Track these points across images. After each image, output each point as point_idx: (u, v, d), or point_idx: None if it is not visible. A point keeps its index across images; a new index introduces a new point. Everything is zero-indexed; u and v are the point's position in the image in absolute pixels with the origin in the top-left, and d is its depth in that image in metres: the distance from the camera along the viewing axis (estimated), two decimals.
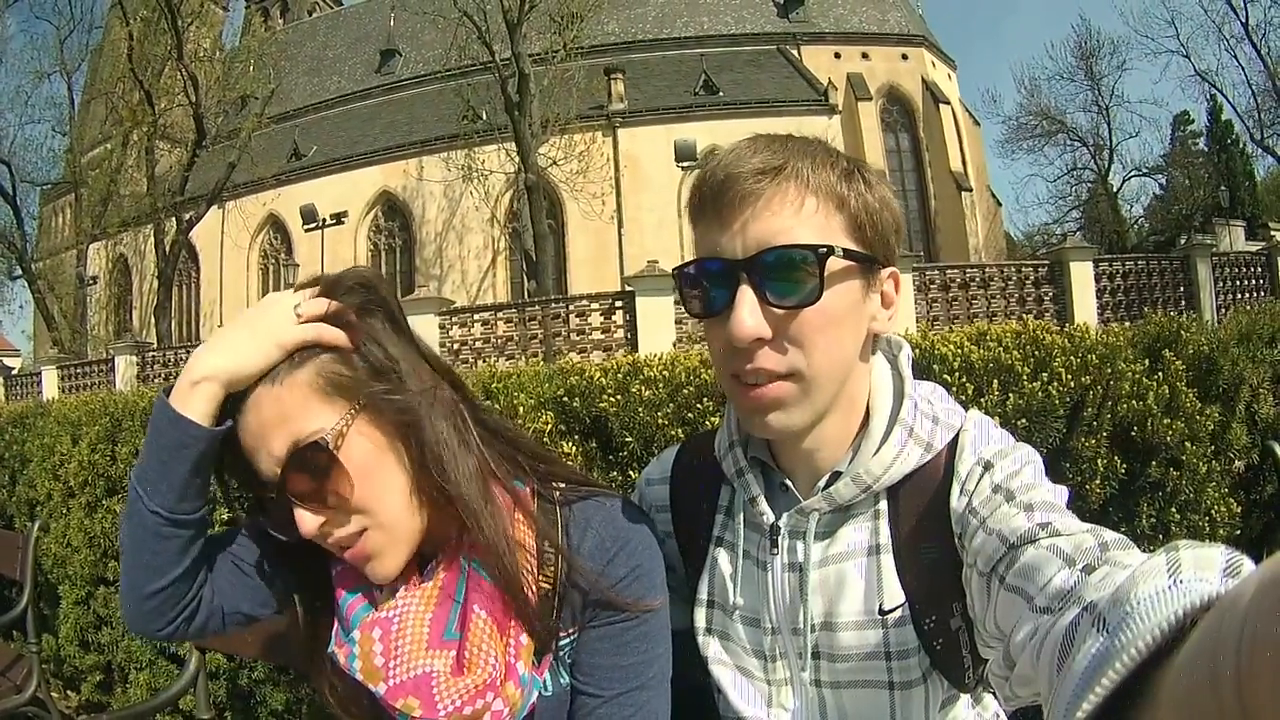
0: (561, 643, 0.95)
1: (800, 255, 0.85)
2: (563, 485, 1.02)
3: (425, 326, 14.75)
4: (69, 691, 3.69)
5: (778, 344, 0.87)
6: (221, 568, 1.00)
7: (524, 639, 0.90)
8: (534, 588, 0.92)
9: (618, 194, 31.28)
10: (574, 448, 2.02)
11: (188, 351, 18.27)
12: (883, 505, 0.95)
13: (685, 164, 23.68)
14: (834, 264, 0.85)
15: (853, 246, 0.88)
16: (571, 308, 15.92)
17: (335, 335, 0.90)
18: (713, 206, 0.90)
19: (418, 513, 0.91)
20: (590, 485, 1.05)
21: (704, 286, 0.91)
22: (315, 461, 0.85)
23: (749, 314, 0.85)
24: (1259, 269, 16.83)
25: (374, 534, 0.88)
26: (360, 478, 0.86)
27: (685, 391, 1.99)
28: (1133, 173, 37.96)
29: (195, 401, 0.87)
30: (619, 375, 2.11)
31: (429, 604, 0.91)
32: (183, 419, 0.87)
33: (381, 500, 0.88)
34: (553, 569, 0.94)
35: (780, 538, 0.98)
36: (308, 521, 0.86)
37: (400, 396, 0.90)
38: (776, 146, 0.89)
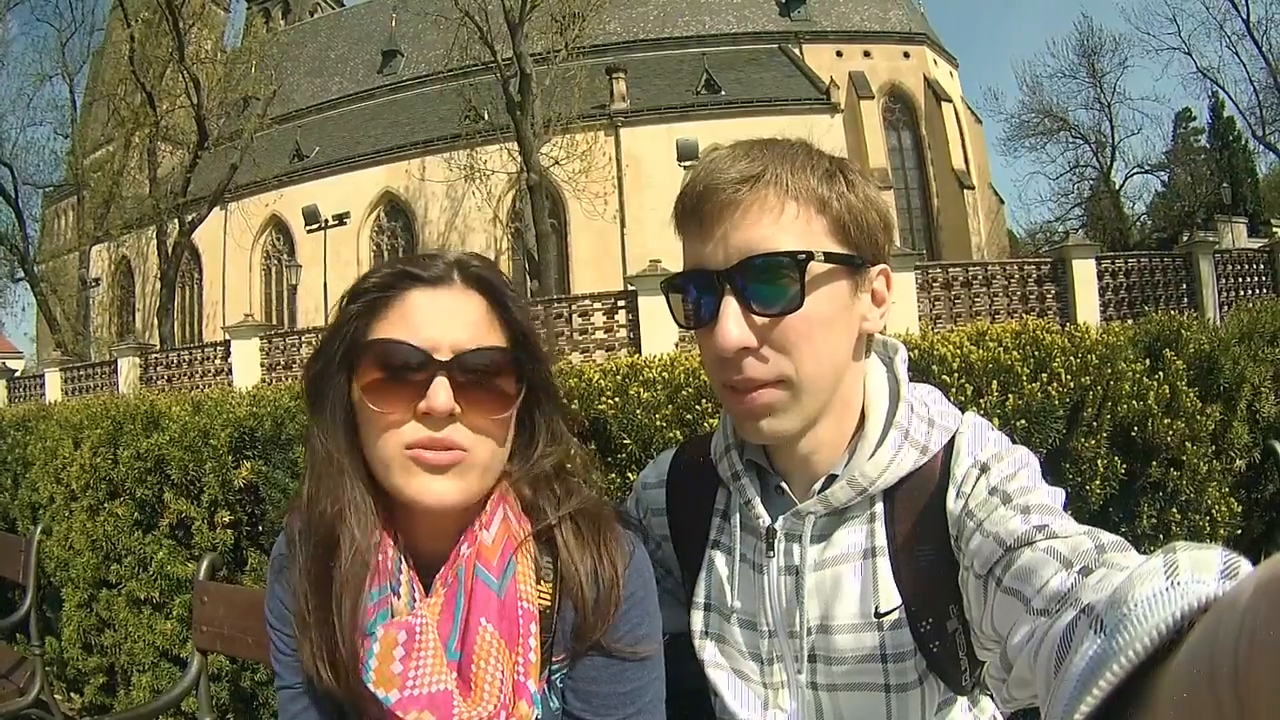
0: (554, 666, 0.94)
1: (780, 262, 0.84)
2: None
3: None
4: (72, 694, 3.68)
5: (765, 351, 0.87)
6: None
7: (532, 656, 0.89)
8: (535, 603, 0.91)
9: (620, 193, 31.24)
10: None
11: (190, 353, 18.37)
12: (878, 508, 0.95)
13: (687, 163, 23.63)
14: (815, 269, 0.85)
15: (837, 248, 0.87)
16: (574, 307, 15.89)
17: None
18: (694, 217, 0.90)
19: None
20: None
21: (690, 297, 0.91)
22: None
23: (734, 324, 0.86)
24: (1261, 266, 16.81)
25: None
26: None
27: (684, 393, 1.98)
28: (1135, 170, 37.90)
29: None
30: (617, 377, 2.10)
31: (435, 619, 0.89)
32: None
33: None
34: (550, 585, 0.93)
35: (776, 541, 0.97)
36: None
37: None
38: (756, 153, 0.89)
